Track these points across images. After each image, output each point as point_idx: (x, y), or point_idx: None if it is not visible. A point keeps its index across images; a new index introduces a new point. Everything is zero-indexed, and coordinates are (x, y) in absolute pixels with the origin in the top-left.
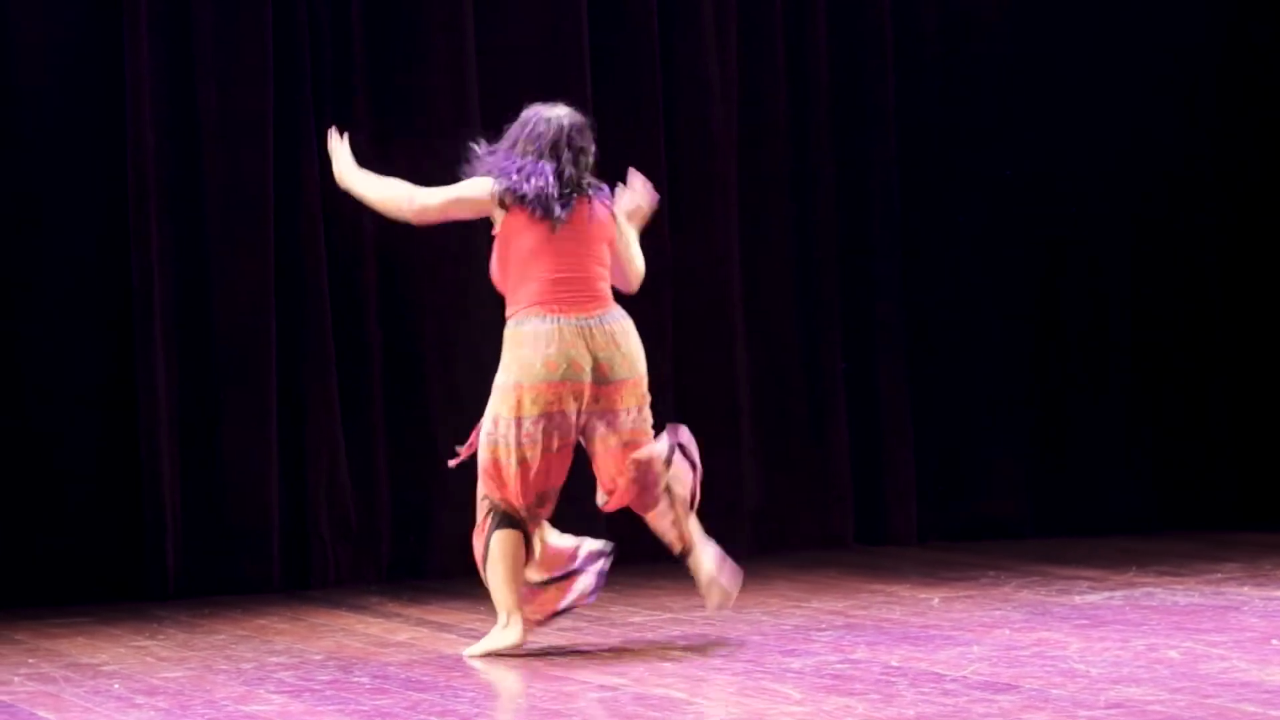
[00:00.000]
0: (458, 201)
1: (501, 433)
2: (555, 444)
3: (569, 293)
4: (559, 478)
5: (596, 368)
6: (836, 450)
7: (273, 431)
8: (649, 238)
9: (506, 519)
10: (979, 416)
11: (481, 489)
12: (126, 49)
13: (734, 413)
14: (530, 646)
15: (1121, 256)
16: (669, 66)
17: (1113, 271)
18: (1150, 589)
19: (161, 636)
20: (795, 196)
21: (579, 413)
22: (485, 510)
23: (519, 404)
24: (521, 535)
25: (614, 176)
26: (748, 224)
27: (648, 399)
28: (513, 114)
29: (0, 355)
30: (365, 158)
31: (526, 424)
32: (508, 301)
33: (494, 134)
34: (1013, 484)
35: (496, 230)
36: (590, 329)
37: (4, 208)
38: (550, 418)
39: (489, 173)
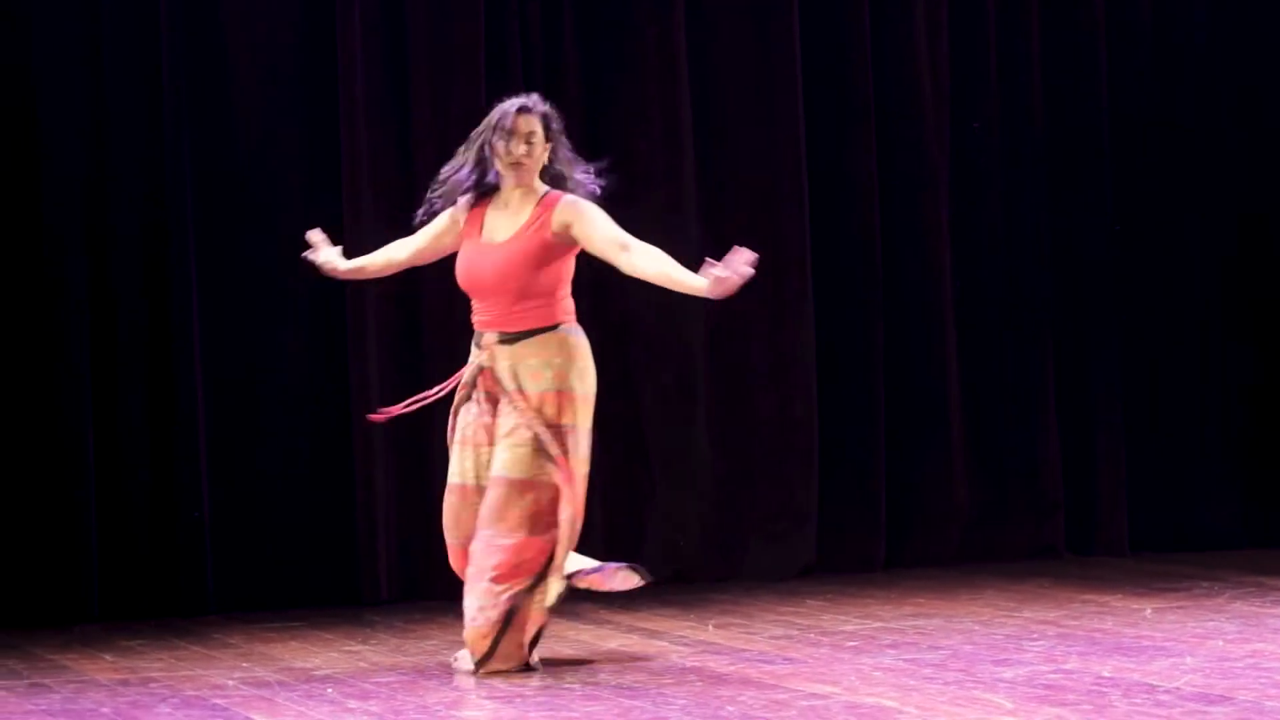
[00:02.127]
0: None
1: (587, 448)
2: None
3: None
4: None
5: None
6: (1048, 459)
7: None
8: (859, 241)
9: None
10: (1193, 425)
11: (578, 523)
12: (340, 59)
13: (945, 421)
14: (742, 655)
15: None
16: (880, 71)
17: None
18: None
19: (374, 641)
20: (1007, 205)
21: None
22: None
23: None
24: None
25: (829, 178)
26: (959, 232)
27: None
28: (722, 123)
29: (218, 361)
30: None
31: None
32: (553, 306)
33: (709, 145)
34: (1227, 494)
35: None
36: None
37: (220, 211)
38: None
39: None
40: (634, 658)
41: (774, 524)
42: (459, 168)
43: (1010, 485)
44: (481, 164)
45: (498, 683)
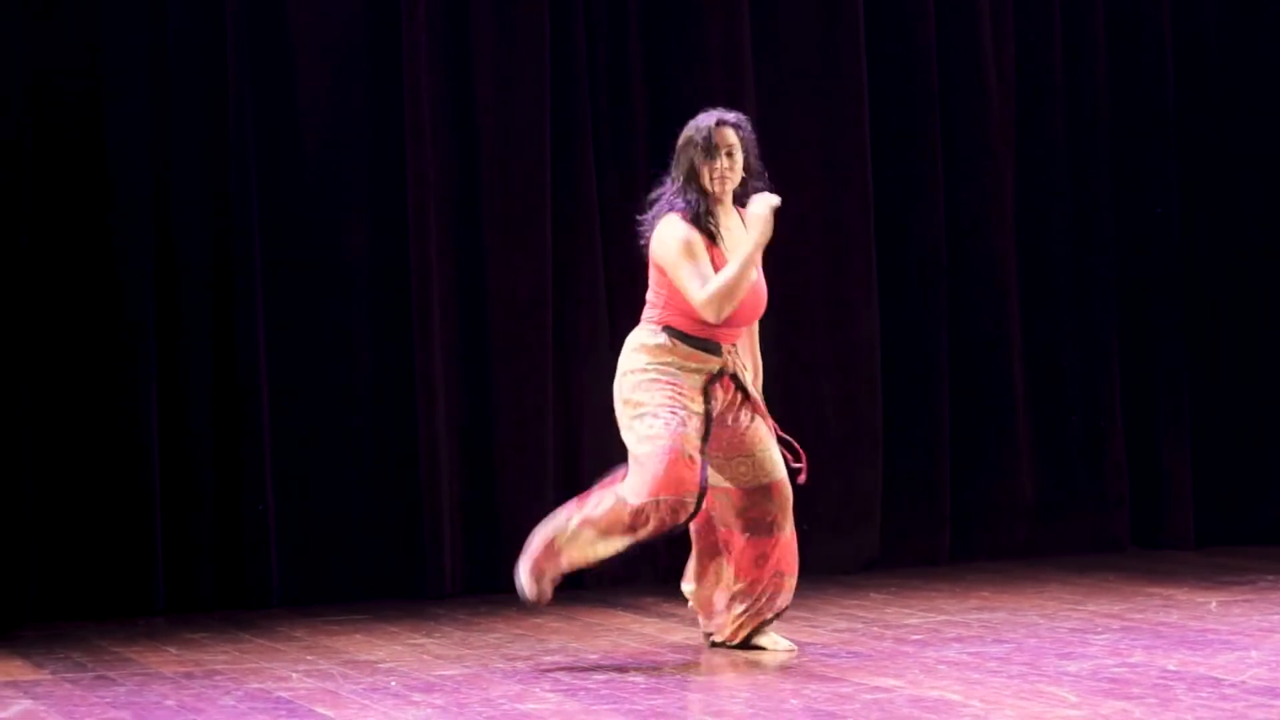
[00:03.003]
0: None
1: None
2: None
3: None
4: None
5: None
6: (1113, 452)
7: (549, 429)
8: (923, 231)
9: None
10: (1259, 418)
11: None
12: (405, 49)
13: (1010, 414)
14: (806, 648)
15: None
16: (945, 60)
17: None
18: None
19: (438, 634)
20: (1073, 195)
21: None
22: None
23: None
24: None
25: (893, 168)
26: (1023, 224)
27: (622, 421)
28: (786, 115)
29: (282, 356)
30: (641, 157)
31: None
32: None
33: (774, 138)
34: None
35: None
36: None
37: (285, 209)
38: None
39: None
40: (698, 651)
41: (838, 517)
42: (670, 192)
43: (1075, 478)
44: (689, 185)
45: (562, 676)
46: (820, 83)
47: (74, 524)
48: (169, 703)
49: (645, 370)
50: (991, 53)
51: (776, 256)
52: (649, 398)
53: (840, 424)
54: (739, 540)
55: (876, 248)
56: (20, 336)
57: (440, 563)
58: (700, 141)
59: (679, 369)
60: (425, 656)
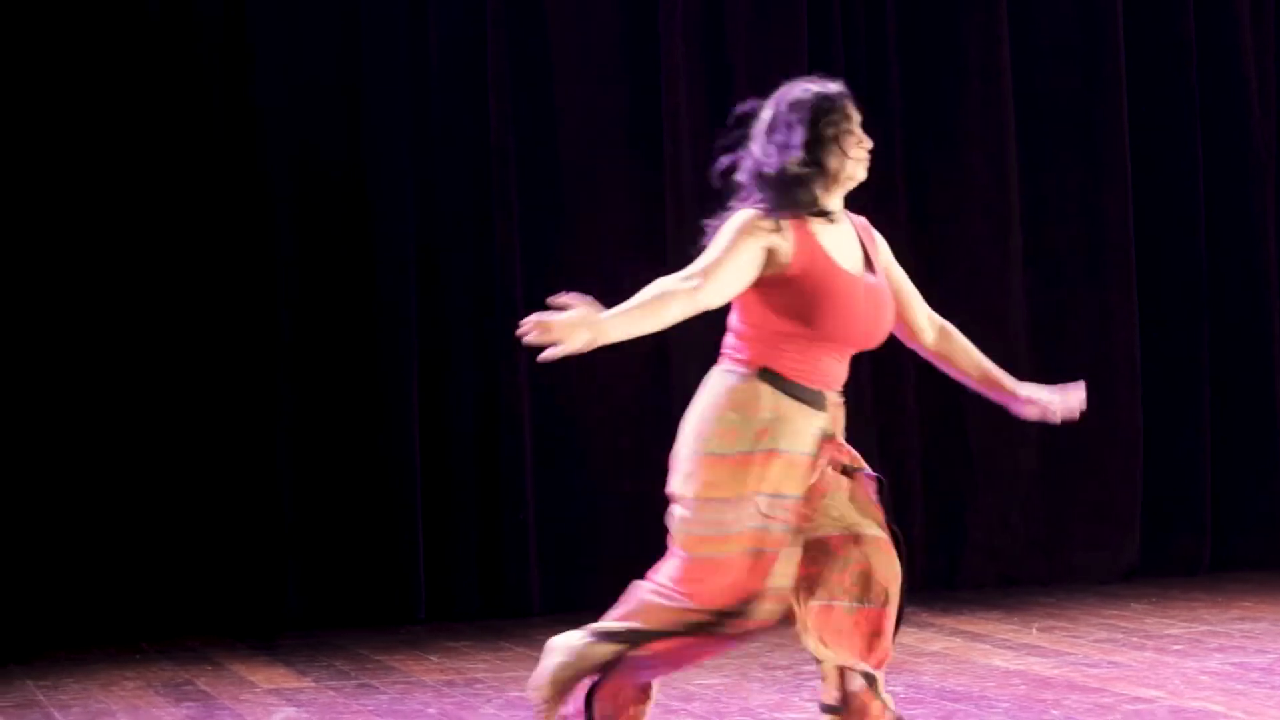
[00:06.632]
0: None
1: None
2: None
3: None
4: None
5: None
6: None
7: None
8: (1183, 239)
9: None
10: None
11: None
12: (663, 67)
13: (1272, 421)
14: (1066, 658)
15: None
16: (1205, 79)
17: None
18: None
19: None
20: None
21: None
22: None
23: None
24: None
25: (1154, 178)
26: None
27: (678, 492)
28: (1045, 128)
29: (544, 370)
30: (900, 174)
31: None
32: None
33: (1032, 153)
34: None
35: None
36: None
37: (545, 216)
38: None
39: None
40: (957, 661)
41: (1097, 526)
42: (781, 168)
43: None
44: (823, 162)
45: (819, 684)
46: (1079, 98)
47: (336, 533)
48: (430, 710)
49: (736, 433)
50: (1253, 59)
51: (1037, 266)
52: (731, 493)
53: (1100, 433)
54: None
55: (1136, 255)
56: (283, 346)
57: None
58: (835, 110)
59: (777, 431)
60: None
